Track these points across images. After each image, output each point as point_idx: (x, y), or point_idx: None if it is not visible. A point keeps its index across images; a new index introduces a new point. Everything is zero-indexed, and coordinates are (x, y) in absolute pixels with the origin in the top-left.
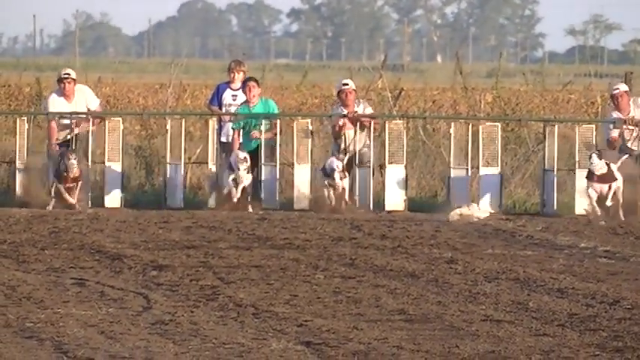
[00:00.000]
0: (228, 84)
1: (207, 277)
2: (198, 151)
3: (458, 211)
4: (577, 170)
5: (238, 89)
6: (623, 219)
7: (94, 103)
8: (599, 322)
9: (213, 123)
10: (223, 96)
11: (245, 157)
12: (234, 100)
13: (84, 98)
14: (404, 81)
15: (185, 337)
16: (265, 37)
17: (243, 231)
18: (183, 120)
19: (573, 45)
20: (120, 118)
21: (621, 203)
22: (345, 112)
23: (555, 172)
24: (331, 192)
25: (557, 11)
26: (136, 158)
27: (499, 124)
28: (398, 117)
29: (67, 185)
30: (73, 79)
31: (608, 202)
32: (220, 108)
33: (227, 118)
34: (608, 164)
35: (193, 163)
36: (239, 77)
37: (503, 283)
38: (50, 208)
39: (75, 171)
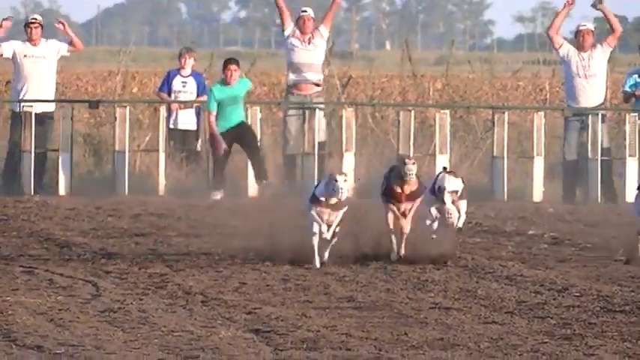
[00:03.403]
0: (178, 71)
1: (156, 264)
2: (147, 138)
3: None
4: (535, 157)
5: (188, 76)
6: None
7: (64, 47)
8: (547, 310)
9: (162, 110)
10: (173, 83)
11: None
12: (183, 86)
13: (51, 44)
14: (352, 69)
15: (134, 325)
16: (214, 24)
17: (193, 218)
18: (128, 107)
19: (522, 32)
20: (70, 106)
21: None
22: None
23: (505, 159)
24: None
25: None
26: (85, 146)
27: (448, 112)
28: (346, 104)
29: None
30: (40, 25)
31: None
32: (170, 95)
33: (176, 105)
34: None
35: (142, 150)
36: (189, 64)
37: (451, 270)
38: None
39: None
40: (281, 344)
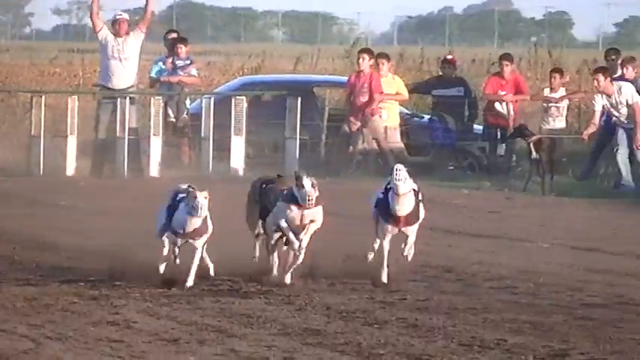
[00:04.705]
0: None
1: None
2: None
3: None
4: (69, 136)
5: None
6: None
7: None
8: (77, 273)
9: None
10: None
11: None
12: None
13: None
14: None
15: None
16: None
17: None
18: None
19: (59, 23)
20: None
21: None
22: None
23: (42, 138)
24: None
25: None
26: None
27: None
28: None
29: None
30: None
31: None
32: None
33: None
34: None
35: None
36: None
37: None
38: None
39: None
40: None
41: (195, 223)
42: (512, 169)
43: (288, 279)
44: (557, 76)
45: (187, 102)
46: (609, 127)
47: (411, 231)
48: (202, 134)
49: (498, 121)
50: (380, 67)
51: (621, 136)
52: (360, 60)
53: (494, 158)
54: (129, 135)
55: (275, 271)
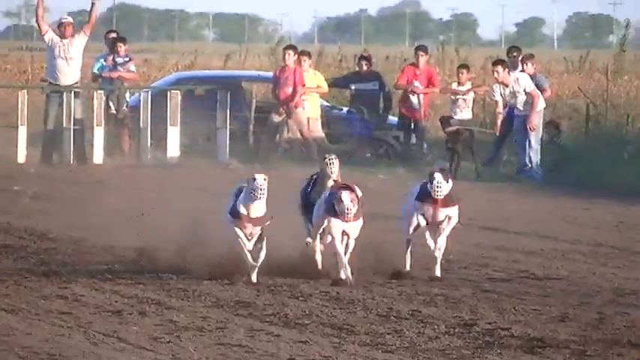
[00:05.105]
0: None
1: None
2: None
3: None
4: (20, 127)
5: None
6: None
7: None
8: (29, 251)
9: None
10: None
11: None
12: None
13: None
14: None
15: None
16: None
17: None
18: None
19: (10, 25)
20: None
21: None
22: None
23: None
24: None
25: None
26: None
27: None
28: None
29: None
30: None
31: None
32: None
33: None
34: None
35: None
36: None
37: None
38: None
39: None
40: None
41: (257, 206)
42: (424, 156)
43: (343, 274)
44: (464, 71)
45: (127, 95)
46: (511, 118)
47: (447, 220)
48: (141, 125)
49: (411, 112)
50: (302, 64)
51: (519, 126)
52: (286, 55)
53: (408, 147)
54: (74, 126)
55: (320, 264)
